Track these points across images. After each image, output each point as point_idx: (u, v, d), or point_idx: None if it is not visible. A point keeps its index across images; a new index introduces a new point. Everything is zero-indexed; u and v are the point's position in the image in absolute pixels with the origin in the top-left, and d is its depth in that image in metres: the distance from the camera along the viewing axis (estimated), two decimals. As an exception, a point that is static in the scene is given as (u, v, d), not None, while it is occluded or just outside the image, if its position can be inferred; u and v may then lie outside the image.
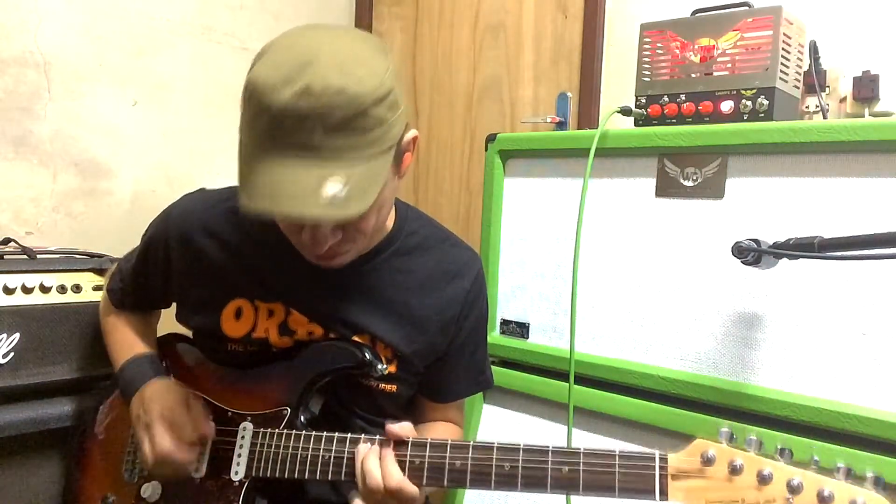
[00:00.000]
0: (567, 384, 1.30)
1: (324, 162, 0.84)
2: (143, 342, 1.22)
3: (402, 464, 0.94)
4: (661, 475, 0.82)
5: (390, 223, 1.13)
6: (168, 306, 1.26)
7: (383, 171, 0.90)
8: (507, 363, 1.52)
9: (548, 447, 0.89)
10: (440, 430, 1.19)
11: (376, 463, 0.94)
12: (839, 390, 1.10)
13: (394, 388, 1.13)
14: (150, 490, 1.10)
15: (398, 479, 0.92)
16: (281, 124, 0.83)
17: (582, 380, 1.35)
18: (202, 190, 1.21)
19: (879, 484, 0.74)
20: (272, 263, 1.10)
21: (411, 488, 0.93)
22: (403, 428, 0.96)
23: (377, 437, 0.98)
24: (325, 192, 0.83)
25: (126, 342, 1.22)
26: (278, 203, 0.84)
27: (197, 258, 1.12)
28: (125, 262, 1.27)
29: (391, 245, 1.12)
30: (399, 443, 0.95)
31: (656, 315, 1.30)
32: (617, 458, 0.85)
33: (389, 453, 0.94)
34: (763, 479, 0.77)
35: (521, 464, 0.89)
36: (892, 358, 1.06)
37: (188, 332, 1.25)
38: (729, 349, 1.22)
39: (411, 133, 0.98)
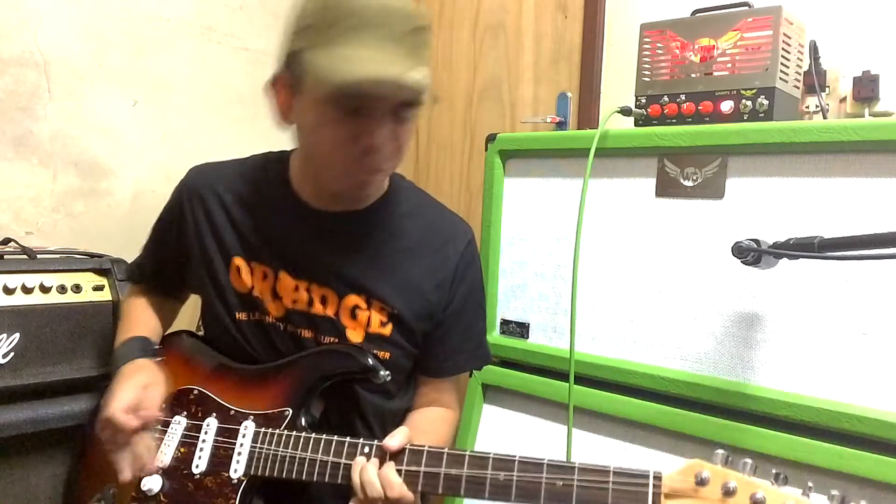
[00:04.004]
0: (567, 384, 1.30)
1: (407, 55, 0.96)
2: (142, 327, 1.24)
3: (398, 472, 0.95)
4: (654, 493, 0.82)
5: (384, 185, 1.17)
6: (183, 283, 1.27)
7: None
8: (507, 363, 1.52)
9: (543, 460, 0.89)
10: (436, 422, 1.20)
11: (374, 473, 0.95)
12: (839, 390, 1.10)
13: (387, 354, 1.14)
14: (149, 484, 1.10)
15: (399, 487, 0.93)
16: (377, 19, 0.96)
17: (582, 380, 1.35)
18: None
19: None
20: (268, 226, 1.15)
21: (410, 496, 0.94)
22: (398, 439, 0.97)
23: (374, 443, 0.99)
24: (415, 74, 0.96)
25: (126, 328, 1.24)
26: (381, 71, 0.94)
27: (204, 214, 1.18)
28: (141, 251, 1.33)
29: (386, 204, 1.16)
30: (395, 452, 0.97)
31: (656, 315, 1.30)
32: (611, 474, 0.85)
33: (389, 464, 0.95)
34: (756, 503, 0.76)
35: (515, 475, 0.89)
36: (892, 358, 1.06)
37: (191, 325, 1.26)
38: (729, 349, 1.22)
39: None
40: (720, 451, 0.81)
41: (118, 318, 1.32)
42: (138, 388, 1.07)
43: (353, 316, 1.13)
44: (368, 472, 0.95)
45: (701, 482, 0.79)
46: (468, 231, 1.23)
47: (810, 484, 0.77)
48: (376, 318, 1.13)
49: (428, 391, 1.24)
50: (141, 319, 1.27)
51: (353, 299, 1.13)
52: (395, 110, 1.01)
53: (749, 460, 0.80)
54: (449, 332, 1.20)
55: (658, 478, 0.82)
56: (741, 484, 0.78)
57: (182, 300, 1.38)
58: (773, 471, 0.79)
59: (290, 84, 1.03)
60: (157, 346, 1.22)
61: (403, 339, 1.15)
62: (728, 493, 0.78)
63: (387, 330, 1.13)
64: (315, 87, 0.99)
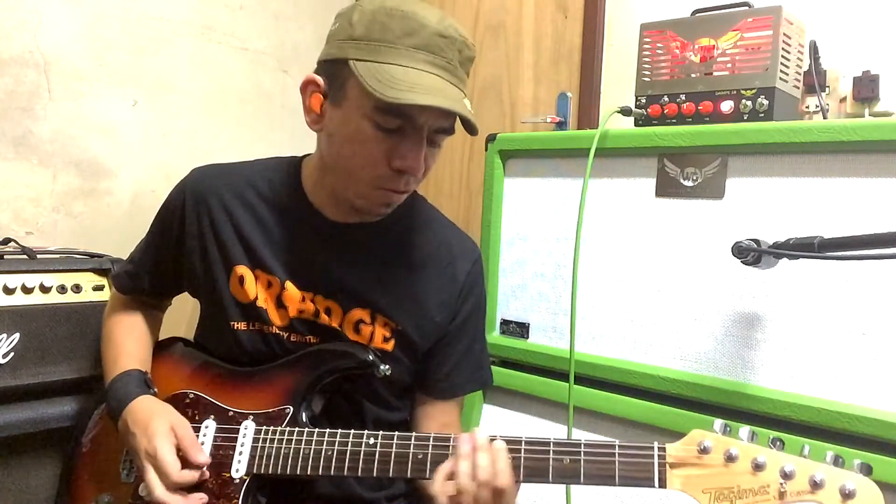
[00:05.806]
0: (567, 384, 1.30)
1: (458, 83, 1.00)
2: (133, 355, 1.19)
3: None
4: (659, 463, 0.84)
5: None
6: (179, 287, 1.25)
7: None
8: (507, 363, 1.52)
9: (549, 439, 0.91)
10: None
11: (489, 458, 0.91)
12: (839, 390, 1.10)
13: (388, 369, 1.11)
14: (147, 489, 1.10)
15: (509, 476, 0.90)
16: (435, 42, 0.97)
17: (582, 380, 1.35)
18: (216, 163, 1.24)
19: (864, 470, 0.77)
20: (277, 234, 1.13)
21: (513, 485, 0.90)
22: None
23: (378, 433, 0.99)
24: (466, 104, 0.98)
25: (117, 354, 1.19)
26: (441, 101, 0.94)
27: (209, 220, 1.15)
28: (137, 247, 1.28)
29: (397, 218, 1.14)
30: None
31: (656, 315, 1.30)
32: (617, 448, 0.87)
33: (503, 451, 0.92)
34: (758, 466, 0.79)
35: (523, 455, 0.91)
36: (892, 358, 1.06)
37: (191, 328, 1.25)
38: (729, 349, 1.22)
39: None
40: (719, 422, 0.84)
41: (103, 338, 1.26)
42: (165, 456, 1.00)
43: (357, 330, 1.12)
44: (485, 455, 0.90)
45: (703, 450, 0.83)
46: (476, 250, 1.22)
47: (807, 450, 0.80)
48: (379, 333, 1.12)
49: (435, 414, 1.21)
50: (132, 347, 1.21)
51: (357, 313, 1.12)
52: (432, 136, 1.01)
53: (747, 428, 0.83)
54: (448, 349, 1.18)
55: (663, 449, 0.85)
56: (742, 450, 0.81)
57: (165, 308, 1.35)
58: (770, 438, 0.82)
59: (327, 91, 1.02)
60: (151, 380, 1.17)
61: (405, 355, 1.15)
62: (730, 458, 0.81)
63: (389, 346, 1.13)
64: (362, 101, 0.97)
